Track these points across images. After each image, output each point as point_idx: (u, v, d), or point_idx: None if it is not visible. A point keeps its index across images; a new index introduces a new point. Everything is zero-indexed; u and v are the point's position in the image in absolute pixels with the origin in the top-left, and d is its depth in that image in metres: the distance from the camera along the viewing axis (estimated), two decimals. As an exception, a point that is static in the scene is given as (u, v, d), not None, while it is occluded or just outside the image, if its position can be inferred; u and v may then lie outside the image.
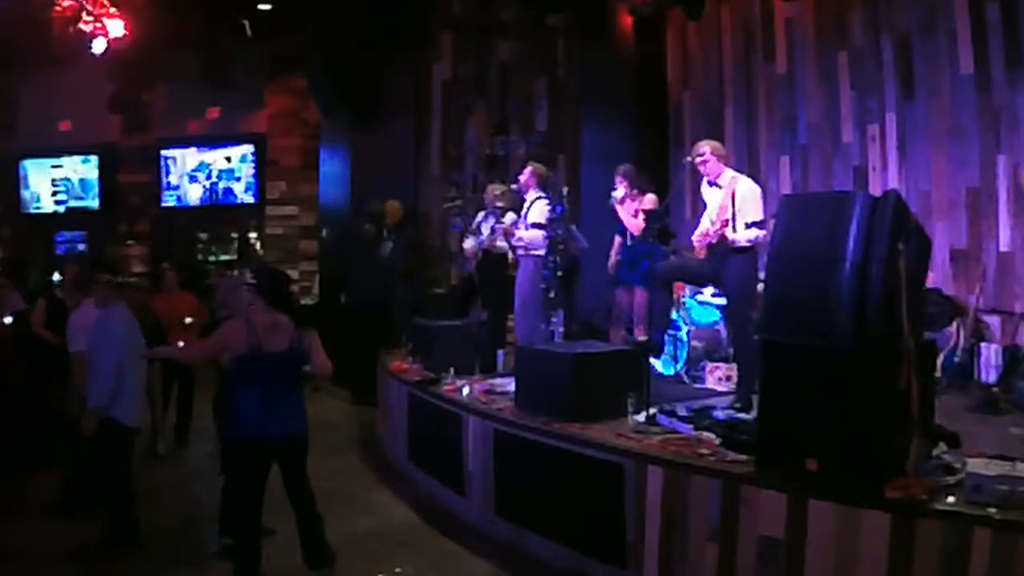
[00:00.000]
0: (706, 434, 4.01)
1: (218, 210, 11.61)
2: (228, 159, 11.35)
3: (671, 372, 6.03)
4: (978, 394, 5.17)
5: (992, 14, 5.98)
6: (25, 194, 12.39)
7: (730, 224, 4.74)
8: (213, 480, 4.44)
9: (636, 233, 6.12)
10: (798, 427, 3.28)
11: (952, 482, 3.10)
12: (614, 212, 6.24)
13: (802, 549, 3.20)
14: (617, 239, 6.46)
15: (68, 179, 12.21)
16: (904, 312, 3.16)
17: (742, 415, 4.45)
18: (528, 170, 6.42)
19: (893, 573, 2.95)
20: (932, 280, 5.89)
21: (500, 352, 6.27)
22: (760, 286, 4.80)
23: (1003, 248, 5.97)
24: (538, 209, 6.21)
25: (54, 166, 12.22)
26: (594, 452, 4.06)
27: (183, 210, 11.70)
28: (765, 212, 4.82)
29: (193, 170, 11.54)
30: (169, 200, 11.70)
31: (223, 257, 11.76)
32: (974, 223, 6.12)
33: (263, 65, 10.59)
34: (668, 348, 5.90)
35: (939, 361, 5.53)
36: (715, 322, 6.13)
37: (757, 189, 4.92)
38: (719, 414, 4.46)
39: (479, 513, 4.85)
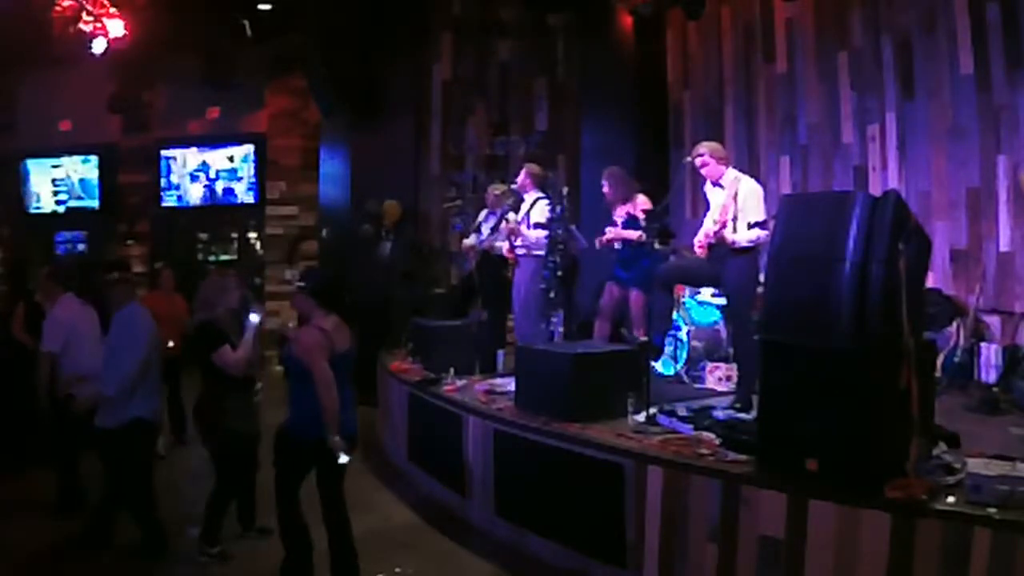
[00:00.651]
0: (706, 434, 4.02)
1: (218, 210, 11.58)
2: (230, 159, 11.34)
3: (671, 372, 6.02)
4: (978, 394, 5.17)
5: (992, 14, 5.98)
6: (26, 194, 12.39)
7: (729, 224, 4.74)
8: (212, 481, 4.43)
9: (631, 239, 5.80)
10: (798, 427, 3.28)
11: (952, 482, 3.10)
12: (612, 213, 6.22)
13: (802, 549, 3.20)
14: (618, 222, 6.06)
15: (68, 179, 12.20)
16: (904, 312, 3.16)
17: (742, 415, 4.46)
18: (524, 171, 6.44)
19: (893, 573, 2.94)
20: (932, 280, 5.91)
21: (500, 352, 6.28)
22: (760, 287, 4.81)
23: (1003, 248, 5.97)
24: (540, 209, 6.21)
25: (54, 166, 12.20)
26: (594, 452, 4.06)
27: (183, 210, 11.67)
28: (766, 212, 4.82)
29: (193, 170, 11.53)
30: (169, 200, 11.67)
31: (223, 257, 11.74)
32: (974, 223, 6.12)
33: (263, 65, 10.55)
34: (668, 348, 5.91)
35: (939, 361, 5.54)
36: (715, 322, 6.13)
37: (759, 189, 4.92)
38: (719, 414, 4.46)
39: (479, 513, 4.86)
